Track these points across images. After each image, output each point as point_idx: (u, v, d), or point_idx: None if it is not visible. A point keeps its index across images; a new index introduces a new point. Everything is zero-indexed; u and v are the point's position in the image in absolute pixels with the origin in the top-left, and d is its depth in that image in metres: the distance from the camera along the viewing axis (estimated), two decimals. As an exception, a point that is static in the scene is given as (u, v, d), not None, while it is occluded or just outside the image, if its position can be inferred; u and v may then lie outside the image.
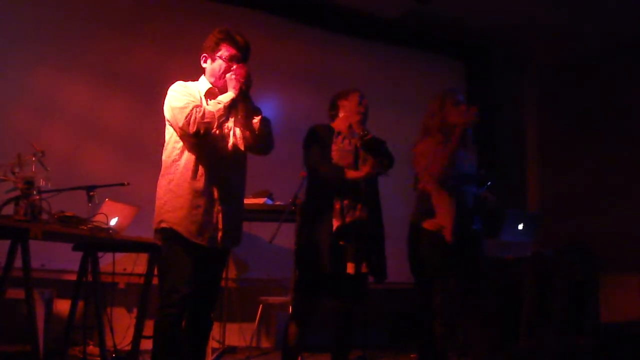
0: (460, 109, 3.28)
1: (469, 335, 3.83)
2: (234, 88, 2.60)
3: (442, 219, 3.19)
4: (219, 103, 2.57)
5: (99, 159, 4.72)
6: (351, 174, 3.09)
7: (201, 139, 2.55)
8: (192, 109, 2.51)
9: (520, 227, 5.13)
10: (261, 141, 2.71)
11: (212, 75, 2.69)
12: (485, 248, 3.39)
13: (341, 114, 3.34)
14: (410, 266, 3.34)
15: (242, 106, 2.65)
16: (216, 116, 2.53)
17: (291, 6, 5.60)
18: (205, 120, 2.51)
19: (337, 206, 3.08)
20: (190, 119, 2.49)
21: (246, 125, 2.67)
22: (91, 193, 3.42)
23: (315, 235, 3.07)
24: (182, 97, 2.57)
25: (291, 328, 3.16)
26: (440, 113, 3.30)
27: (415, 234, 3.31)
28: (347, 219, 3.09)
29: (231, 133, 2.69)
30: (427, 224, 3.21)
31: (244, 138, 2.70)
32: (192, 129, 2.50)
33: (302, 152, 3.32)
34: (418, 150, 3.32)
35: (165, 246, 2.59)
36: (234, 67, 2.63)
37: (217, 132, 2.62)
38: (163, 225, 2.56)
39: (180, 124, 2.51)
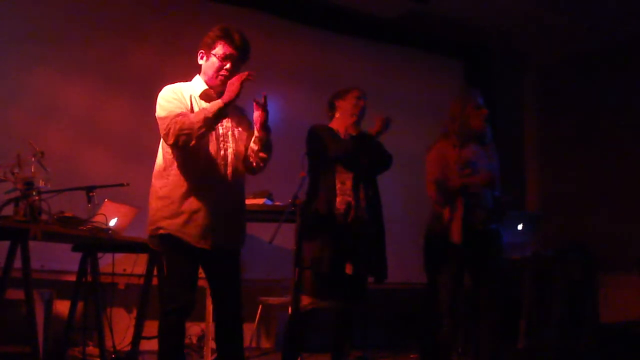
0: (481, 112, 3.32)
1: (469, 336, 3.83)
2: (222, 97, 2.50)
3: (452, 221, 3.21)
4: (204, 112, 2.47)
5: (99, 159, 4.72)
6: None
7: (181, 149, 2.50)
8: (171, 119, 2.46)
9: (520, 227, 5.13)
10: (256, 170, 2.73)
11: (205, 72, 2.64)
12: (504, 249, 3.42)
13: (337, 114, 3.35)
14: (425, 266, 3.35)
15: (262, 136, 2.62)
16: (195, 127, 2.44)
17: (291, 6, 5.59)
18: (184, 132, 2.43)
19: (339, 206, 3.09)
20: (168, 131, 2.45)
21: (254, 154, 2.67)
22: (91, 193, 3.42)
23: (317, 235, 3.07)
24: (166, 105, 2.53)
25: (292, 327, 3.17)
26: (461, 117, 3.33)
27: (430, 239, 3.33)
28: (349, 219, 3.10)
29: (229, 133, 2.67)
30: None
31: (242, 153, 2.70)
32: (169, 140, 2.47)
33: (301, 152, 3.32)
34: (430, 156, 3.35)
35: (165, 252, 2.58)
36: (227, 66, 2.59)
37: (214, 135, 2.59)
38: (161, 232, 2.53)
39: (161, 134, 2.50)
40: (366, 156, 3.19)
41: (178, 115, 2.48)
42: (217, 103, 2.49)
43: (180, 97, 2.58)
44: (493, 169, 3.38)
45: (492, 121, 3.45)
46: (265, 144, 2.66)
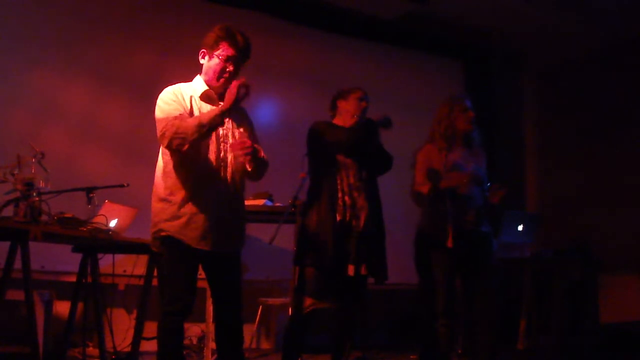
0: (468, 115, 3.32)
1: (468, 336, 3.84)
2: (220, 106, 2.47)
3: (442, 225, 3.22)
4: (200, 119, 2.45)
5: (99, 160, 4.72)
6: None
7: (175, 152, 2.50)
8: (168, 122, 2.46)
9: (520, 227, 5.13)
10: (256, 178, 2.75)
11: (207, 73, 2.63)
12: (496, 250, 3.42)
13: (339, 115, 3.35)
14: (416, 267, 3.36)
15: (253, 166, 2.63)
16: (189, 132, 2.42)
17: (290, 7, 5.59)
18: (179, 135, 2.43)
19: (340, 203, 3.09)
20: (164, 133, 2.45)
21: (249, 170, 2.67)
22: (91, 194, 3.41)
23: (318, 233, 3.07)
24: (165, 107, 2.53)
25: (292, 328, 3.16)
26: (448, 120, 3.35)
27: (421, 239, 3.34)
28: (348, 218, 3.10)
29: (230, 135, 2.65)
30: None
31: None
32: (164, 143, 2.47)
33: (302, 153, 3.32)
34: (417, 158, 3.38)
35: (166, 254, 2.57)
36: (230, 68, 2.58)
37: (214, 136, 2.58)
38: (163, 234, 2.53)
39: (158, 136, 2.49)
40: (371, 141, 3.19)
41: (175, 118, 2.47)
42: (214, 110, 2.47)
43: (179, 99, 2.57)
44: (480, 172, 3.38)
45: (491, 121, 3.46)
46: (258, 169, 2.68)
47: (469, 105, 3.39)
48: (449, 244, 3.17)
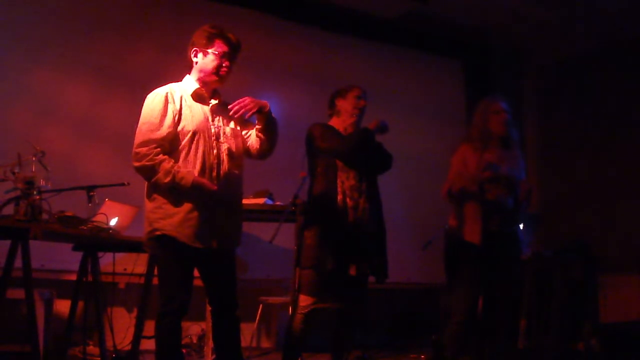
0: (500, 117, 3.34)
1: (477, 335, 3.85)
2: (203, 187, 2.52)
3: (470, 224, 3.23)
4: (174, 177, 2.48)
5: (99, 159, 4.72)
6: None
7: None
8: (149, 148, 2.48)
9: (520, 227, 5.13)
10: (270, 148, 2.76)
11: (202, 70, 2.64)
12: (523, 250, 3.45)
13: (337, 113, 3.35)
14: (445, 268, 3.39)
15: (262, 118, 2.66)
16: (162, 181, 2.47)
17: (290, 6, 5.60)
18: (154, 173, 2.47)
19: (341, 204, 3.09)
20: (138, 154, 2.49)
21: (263, 131, 2.70)
22: (91, 193, 3.41)
23: (318, 234, 3.07)
24: (145, 115, 2.54)
25: (293, 327, 3.17)
26: (482, 122, 3.37)
27: (449, 239, 3.38)
28: (350, 219, 3.10)
29: (221, 132, 2.66)
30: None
31: (248, 140, 2.72)
32: (134, 162, 2.51)
33: (302, 152, 3.32)
34: (451, 161, 3.41)
35: (161, 254, 2.57)
36: (227, 63, 2.62)
37: (206, 135, 2.60)
38: (157, 233, 2.52)
39: (133, 149, 2.51)
40: (367, 150, 3.19)
41: (157, 147, 2.49)
42: (189, 179, 2.48)
43: (162, 107, 2.55)
44: (516, 172, 3.39)
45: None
46: (270, 129, 2.71)
47: (503, 107, 3.39)
48: (477, 241, 3.18)
